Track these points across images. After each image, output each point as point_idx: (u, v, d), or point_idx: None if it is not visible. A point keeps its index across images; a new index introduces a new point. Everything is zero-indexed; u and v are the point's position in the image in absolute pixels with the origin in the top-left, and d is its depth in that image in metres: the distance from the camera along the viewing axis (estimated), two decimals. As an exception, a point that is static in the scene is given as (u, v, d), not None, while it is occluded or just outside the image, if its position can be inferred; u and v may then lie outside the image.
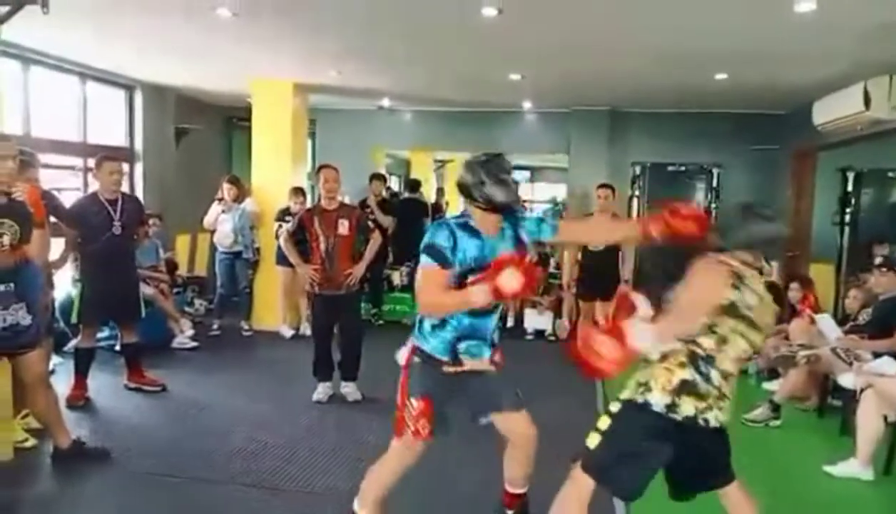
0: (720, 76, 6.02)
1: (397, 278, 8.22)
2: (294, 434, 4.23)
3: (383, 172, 8.28)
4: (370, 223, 5.03)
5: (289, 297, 7.00)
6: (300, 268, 4.84)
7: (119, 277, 4.63)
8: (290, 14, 4.70)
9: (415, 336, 2.71)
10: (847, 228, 7.32)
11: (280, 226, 6.70)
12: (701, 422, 2.28)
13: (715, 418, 2.30)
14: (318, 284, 4.70)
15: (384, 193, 8.08)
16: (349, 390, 4.90)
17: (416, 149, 11.38)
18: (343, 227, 4.69)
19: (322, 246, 4.66)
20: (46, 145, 6.30)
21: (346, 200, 7.94)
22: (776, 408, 4.75)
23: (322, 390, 4.85)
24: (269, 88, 7.15)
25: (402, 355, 2.71)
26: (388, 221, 7.34)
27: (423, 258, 2.57)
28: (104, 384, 5.00)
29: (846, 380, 4.36)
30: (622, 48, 5.25)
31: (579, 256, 6.27)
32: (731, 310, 2.24)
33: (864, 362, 4.36)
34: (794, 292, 5.80)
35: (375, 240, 4.94)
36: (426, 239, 2.60)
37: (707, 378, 2.30)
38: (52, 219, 4.28)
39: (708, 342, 2.27)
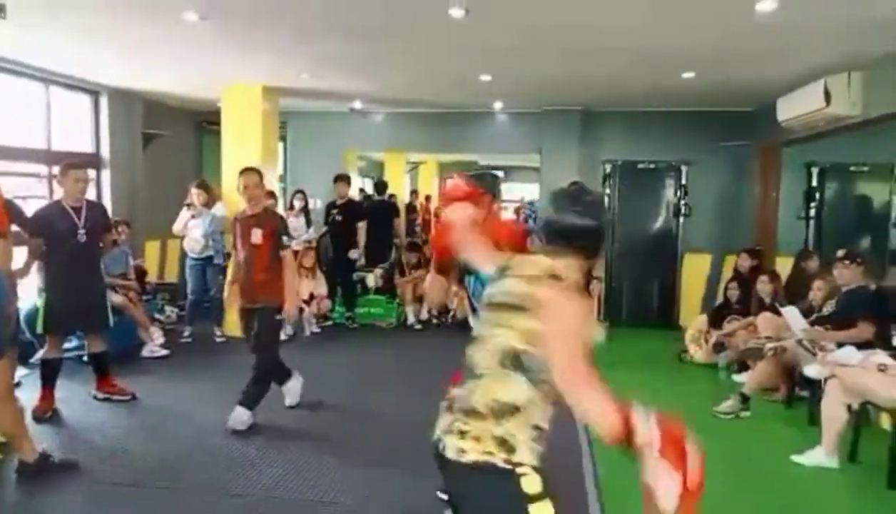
0: (687, 75, 6.10)
1: (371, 280, 8.21)
2: (266, 442, 4.20)
3: (349, 173, 8.24)
4: (285, 238, 4.46)
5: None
6: (226, 289, 4.71)
7: (84, 285, 4.56)
8: (258, 18, 4.66)
9: None
10: (812, 222, 7.47)
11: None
12: (440, 447, 1.79)
13: (450, 446, 1.75)
14: (237, 298, 4.49)
15: (350, 195, 8.06)
16: (233, 421, 4.29)
17: (389, 151, 11.37)
18: (255, 235, 4.32)
19: (240, 256, 4.42)
20: (9, 153, 6.19)
21: (286, 206, 7.97)
22: (745, 400, 4.84)
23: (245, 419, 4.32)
24: (238, 91, 7.09)
25: None
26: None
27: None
28: (72, 395, 4.91)
29: (811, 370, 4.47)
30: (589, 48, 5.29)
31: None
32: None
33: (828, 353, 4.46)
34: (763, 285, 5.91)
35: (289, 265, 4.44)
36: None
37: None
38: (15, 228, 4.21)
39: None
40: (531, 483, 1.68)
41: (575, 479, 3.71)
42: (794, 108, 6.00)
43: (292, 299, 4.43)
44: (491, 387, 1.74)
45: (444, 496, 2.23)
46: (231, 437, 4.22)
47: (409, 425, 3.36)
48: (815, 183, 7.54)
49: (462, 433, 1.73)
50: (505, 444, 1.69)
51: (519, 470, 1.68)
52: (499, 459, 1.68)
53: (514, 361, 1.72)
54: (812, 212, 7.52)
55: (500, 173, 17.87)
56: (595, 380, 1.62)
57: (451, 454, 1.74)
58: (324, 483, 3.60)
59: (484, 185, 2.85)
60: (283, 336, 7.01)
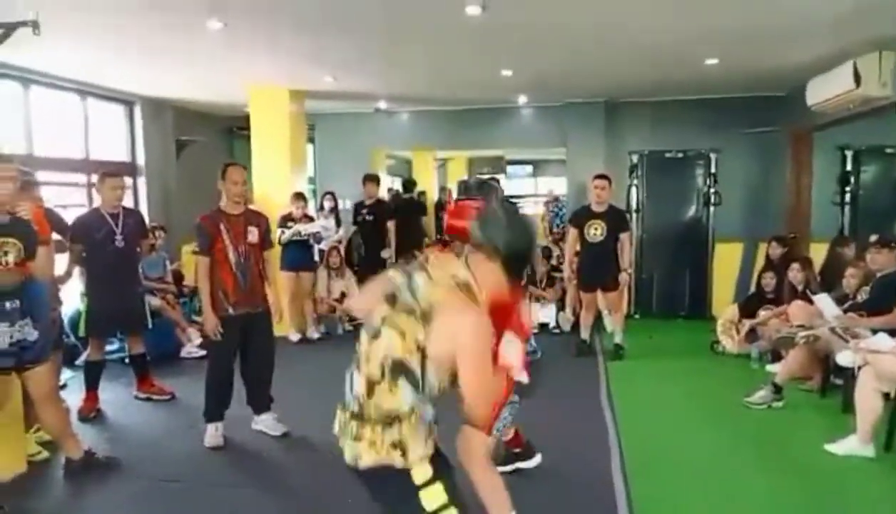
0: (711, 61, 6.03)
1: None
2: (304, 436, 4.29)
3: (377, 173, 8.32)
4: (272, 237, 4.42)
5: (294, 302, 7.08)
6: (208, 315, 4.03)
7: (123, 289, 4.73)
8: (278, 22, 4.77)
9: None
10: (847, 208, 7.30)
11: (282, 232, 6.80)
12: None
13: (347, 450, 1.85)
14: (230, 304, 4.05)
15: (379, 195, 8.14)
16: (267, 423, 4.32)
17: (415, 149, 11.44)
18: (253, 235, 4.13)
19: (232, 258, 4.05)
20: (50, 163, 6.43)
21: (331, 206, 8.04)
22: (778, 390, 4.78)
23: (215, 433, 4.16)
24: (265, 95, 7.24)
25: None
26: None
27: None
28: (115, 395, 5.11)
29: (844, 358, 4.38)
30: (608, 38, 5.28)
31: (578, 247, 6.30)
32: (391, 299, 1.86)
33: (861, 340, 4.37)
34: (796, 273, 5.81)
35: (272, 264, 4.36)
36: None
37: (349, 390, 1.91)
38: (56, 236, 4.39)
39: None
40: (420, 473, 1.78)
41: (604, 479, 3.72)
42: (824, 91, 5.87)
43: (280, 297, 4.36)
44: (380, 394, 1.78)
45: None
46: (263, 435, 4.33)
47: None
48: (849, 167, 7.38)
49: (356, 438, 1.80)
50: (398, 446, 1.76)
51: (412, 465, 1.78)
52: (395, 459, 1.77)
53: (401, 370, 1.75)
54: (847, 197, 7.36)
55: (529, 168, 17.87)
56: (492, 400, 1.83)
57: (348, 458, 1.84)
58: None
59: (483, 193, 3.05)
60: (315, 335, 7.24)
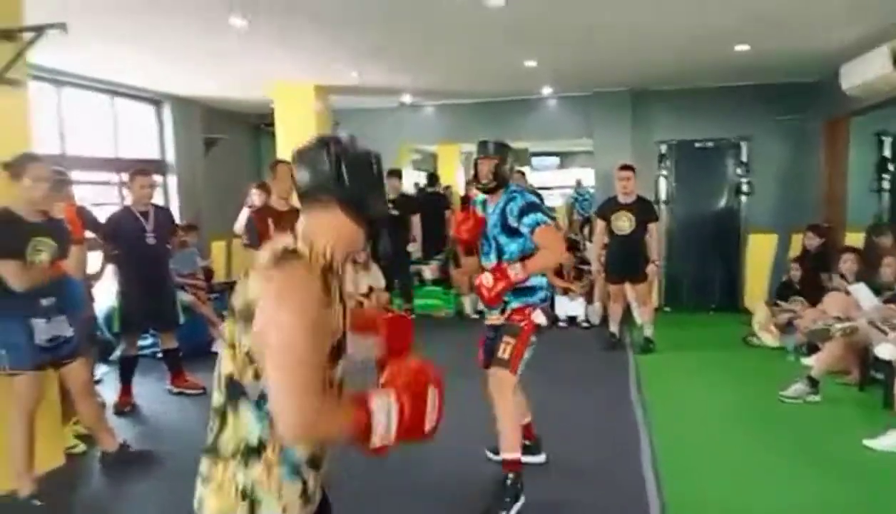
0: (741, 48, 5.88)
1: (428, 272, 8.30)
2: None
3: (401, 168, 8.32)
4: None
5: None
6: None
7: (154, 285, 4.81)
8: (302, 19, 4.79)
9: (527, 295, 3.17)
10: (886, 195, 7.09)
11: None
12: None
13: (196, 495, 1.48)
14: None
15: (404, 189, 8.14)
16: None
17: (441, 142, 11.41)
18: None
19: None
20: (81, 163, 6.56)
21: None
22: (814, 384, 4.67)
23: None
24: (290, 92, 7.27)
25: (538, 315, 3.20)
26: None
27: (542, 217, 3.07)
28: (149, 390, 5.20)
29: (884, 351, 4.26)
30: (633, 27, 5.18)
31: (606, 239, 6.23)
32: None
33: (901, 332, 4.25)
34: (850, 264, 5.53)
35: None
36: (534, 200, 3.11)
37: None
38: (90, 234, 4.48)
39: None
40: None
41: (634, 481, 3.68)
42: (859, 75, 5.70)
43: None
44: (229, 424, 1.38)
45: None
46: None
47: (478, 405, 3.40)
48: (887, 153, 7.15)
49: (204, 479, 1.42)
50: (246, 497, 1.35)
51: None
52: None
53: (235, 388, 1.36)
54: (885, 184, 7.13)
55: (555, 159, 17.71)
56: (321, 406, 1.30)
57: (195, 504, 1.44)
58: (385, 467, 3.68)
59: (499, 152, 3.34)
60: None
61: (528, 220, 3.06)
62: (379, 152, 1.53)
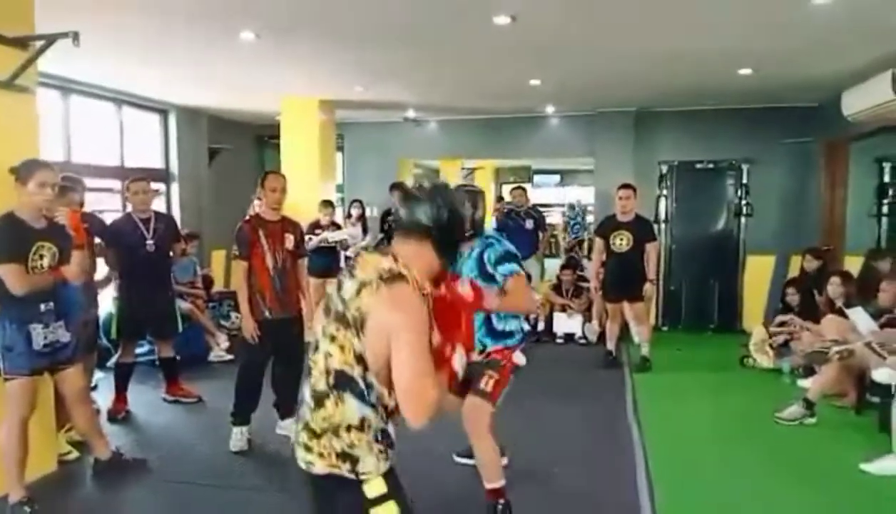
0: (744, 71, 5.94)
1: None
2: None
3: (404, 182, 8.35)
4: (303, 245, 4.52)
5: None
6: (247, 318, 4.10)
7: (154, 293, 4.81)
8: (310, 34, 4.85)
9: (505, 338, 3.23)
10: (884, 220, 7.11)
11: (310, 239, 6.86)
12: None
13: (300, 458, 1.81)
14: (267, 308, 4.13)
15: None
16: (292, 428, 4.24)
17: (443, 158, 11.47)
18: (289, 241, 4.22)
19: (269, 263, 4.14)
20: (87, 170, 6.59)
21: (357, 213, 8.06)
22: (810, 406, 4.66)
23: (241, 437, 4.21)
24: (296, 105, 7.34)
25: (518, 356, 3.24)
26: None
27: (516, 267, 3.10)
28: (144, 397, 5.19)
29: (881, 375, 4.25)
30: (638, 49, 5.23)
31: (604, 258, 6.24)
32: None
33: (898, 356, 4.24)
34: (835, 287, 5.64)
35: (304, 271, 4.46)
36: (510, 249, 3.15)
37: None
38: (97, 240, 4.50)
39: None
40: (373, 487, 1.72)
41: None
42: (861, 101, 5.75)
43: (312, 304, 4.47)
44: (326, 409, 1.72)
45: None
46: (287, 440, 4.33)
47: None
48: (887, 178, 7.18)
49: (308, 448, 1.76)
50: (348, 457, 1.71)
51: (363, 477, 1.71)
52: (344, 470, 1.71)
53: (344, 382, 1.70)
54: (885, 209, 7.16)
55: (556, 178, 17.78)
56: (436, 388, 1.63)
57: (301, 464, 1.79)
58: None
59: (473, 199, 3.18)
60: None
61: (503, 268, 3.09)
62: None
